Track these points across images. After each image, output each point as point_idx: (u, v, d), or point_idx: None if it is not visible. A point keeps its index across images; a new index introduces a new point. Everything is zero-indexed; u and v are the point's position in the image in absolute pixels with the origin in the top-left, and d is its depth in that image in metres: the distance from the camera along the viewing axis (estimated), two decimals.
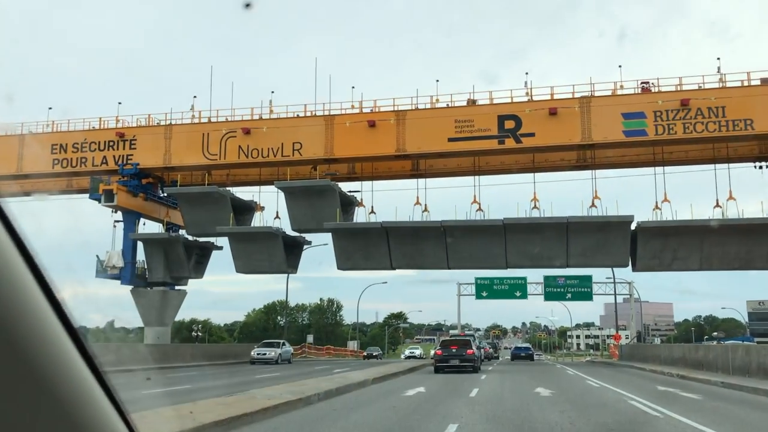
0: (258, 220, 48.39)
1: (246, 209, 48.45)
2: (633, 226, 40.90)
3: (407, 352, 68.82)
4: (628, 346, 57.03)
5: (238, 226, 46.15)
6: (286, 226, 46.17)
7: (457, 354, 30.48)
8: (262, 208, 49.24)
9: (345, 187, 45.87)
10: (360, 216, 46.07)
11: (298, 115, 44.22)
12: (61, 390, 1.06)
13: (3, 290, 0.99)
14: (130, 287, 47.86)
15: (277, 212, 47.30)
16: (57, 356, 1.05)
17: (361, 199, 46.30)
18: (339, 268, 45.11)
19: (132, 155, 45.95)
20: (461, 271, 61.66)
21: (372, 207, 45.74)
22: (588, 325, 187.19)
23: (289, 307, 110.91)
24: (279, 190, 45.10)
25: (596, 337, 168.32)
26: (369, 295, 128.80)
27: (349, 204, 45.68)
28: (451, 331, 63.64)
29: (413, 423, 11.51)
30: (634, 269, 42.70)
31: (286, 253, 46.31)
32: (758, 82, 38.85)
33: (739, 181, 51.61)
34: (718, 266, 42.01)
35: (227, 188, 47.02)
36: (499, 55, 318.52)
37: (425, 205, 44.43)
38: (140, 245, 48.31)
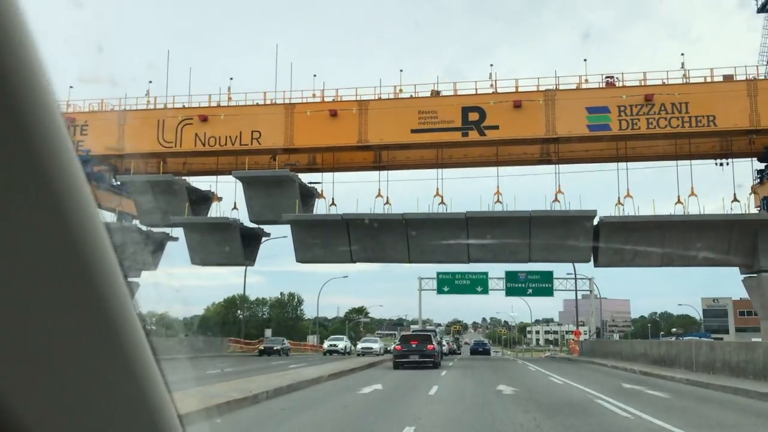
0: (215, 211, 47.03)
1: (202, 199, 46.93)
2: (595, 222, 40.61)
3: (327, 345, 56.58)
4: (589, 341, 57.05)
5: (193, 217, 44.66)
6: (243, 217, 44.92)
7: (417, 349, 29.65)
8: (220, 199, 47.83)
9: (305, 178, 44.76)
10: (320, 208, 45.12)
11: (257, 103, 42.90)
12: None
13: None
14: None
15: (235, 203, 46.07)
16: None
17: (322, 191, 45.30)
18: (298, 260, 43.97)
19: (83, 141, 44.04)
20: (423, 266, 61.04)
21: (333, 199, 44.83)
22: (547, 321, 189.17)
23: (249, 301, 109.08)
24: (237, 180, 43.80)
25: (555, 332, 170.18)
26: (330, 289, 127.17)
27: (309, 195, 44.58)
28: (413, 326, 62.59)
29: (365, 425, 10.55)
30: (596, 265, 42.38)
31: (243, 245, 45.04)
32: (721, 79, 38.89)
33: (701, 177, 51.73)
34: (679, 263, 41.94)
35: (183, 177, 45.43)
36: (464, 52, 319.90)
37: (387, 197, 43.66)
38: None
